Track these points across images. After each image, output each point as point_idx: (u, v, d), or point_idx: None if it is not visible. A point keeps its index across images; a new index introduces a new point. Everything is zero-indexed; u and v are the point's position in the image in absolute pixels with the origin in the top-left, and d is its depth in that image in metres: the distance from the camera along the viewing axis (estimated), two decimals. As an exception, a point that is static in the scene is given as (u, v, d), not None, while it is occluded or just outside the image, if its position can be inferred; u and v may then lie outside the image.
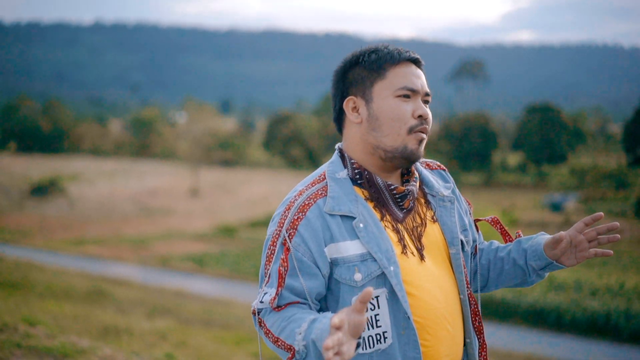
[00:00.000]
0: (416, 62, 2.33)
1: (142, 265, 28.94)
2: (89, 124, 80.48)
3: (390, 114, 2.25)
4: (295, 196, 2.26)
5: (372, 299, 2.16)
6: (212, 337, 15.30)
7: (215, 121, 66.07)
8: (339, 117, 2.36)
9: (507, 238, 2.51)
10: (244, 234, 36.26)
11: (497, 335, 18.30)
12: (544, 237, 2.40)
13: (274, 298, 2.16)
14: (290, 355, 2.07)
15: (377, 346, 2.17)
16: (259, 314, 2.19)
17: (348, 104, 2.31)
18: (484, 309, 20.01)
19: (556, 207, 40.78)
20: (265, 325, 2.17)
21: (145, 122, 75.85)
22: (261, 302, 2.18)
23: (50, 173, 54.74)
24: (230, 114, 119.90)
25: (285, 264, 2.17)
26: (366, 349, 2.16)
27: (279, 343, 2.11)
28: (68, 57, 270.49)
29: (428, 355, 2.22)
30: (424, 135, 2.27)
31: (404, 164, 2.29)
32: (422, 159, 2.43)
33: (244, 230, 37.27)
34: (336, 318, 1.77)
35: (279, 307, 2.16)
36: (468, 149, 55.54)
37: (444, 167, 2.54)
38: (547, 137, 54.16)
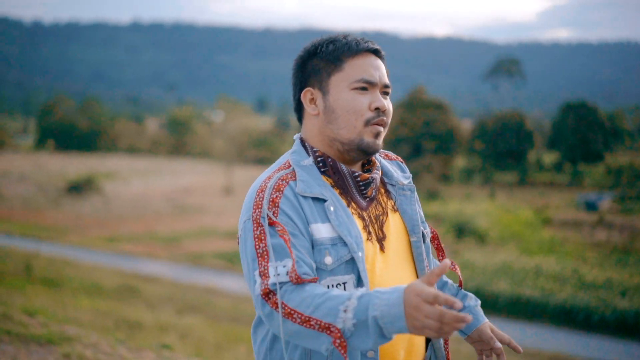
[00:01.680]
0: (376, 52, 2.30)
1: (173, 263, 29.17)
2: (125, 123, 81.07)
3: (346, 107, 2.23)
4: (264, 180, 2.22)
5: (340, 285, 2.14)
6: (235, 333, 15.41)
7: (249, 119, 66.32)
8: (299, 108, 2.36)
9: (440, 255, 2.48)
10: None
11: (524, 334, 18.24)
12: (483, 318, 2.44)
13: (294, 266, 2.05)
14: (326, 335, 1.97)
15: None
16: (274, 295, 2.04)
17: (306, 96, 2.30)
18: (513, 307, 19.98)
19: (591, 206, 40.41)
20: (287, 305, 2.02)
21: (180, 121, 76.31)
22: (277, 274, 2.04)
23: (86, 171, 55.29)
24: (265, 112, 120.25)
25: (286, 234, 2.10)
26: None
27: (312, 323, 1.98)
28: (106, 56, 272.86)
29: (385, 346, 2.19)
30: (381, 128, 2.25)
31: (361, 156, 2.28)
32: (380, 150, 2.42)
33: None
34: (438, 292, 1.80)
35: (300, 280, 2.04)
36: (503, 147, 55.14)
37: (402, 160, 2.54)
38: (583, 136, 53.61)
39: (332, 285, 2.14)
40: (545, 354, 16.52)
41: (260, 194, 2.16)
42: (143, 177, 55.90)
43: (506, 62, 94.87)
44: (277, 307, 2.02)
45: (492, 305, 20.16)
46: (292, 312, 2.01)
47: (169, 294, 22.00)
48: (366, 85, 2.24)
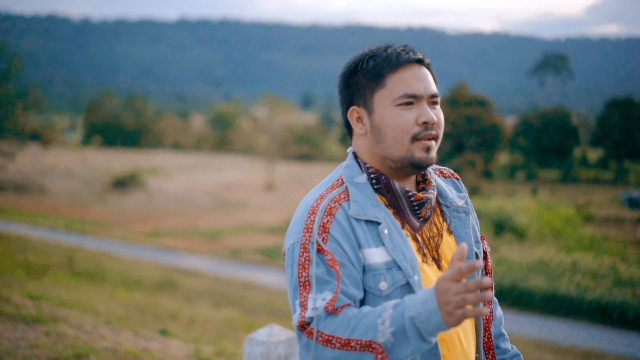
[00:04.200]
0: (420, 61, 2.21)
1: (213, 257, 29.44)
2: (170, 119, 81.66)
3: (392, 125, 2.16)
4: (316, 200, 2.16)
5: None
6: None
7: (293, 115, 66.54)
8: (348, 124, 2.29)
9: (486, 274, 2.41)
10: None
11: (559, 330, 18.18)
12: None
13: (333, 300, 2.01)
14: (369, 353, 1.95)
15: None
16: (309, 325, 2.02)
17: (352, 115, 2.24)
18: (548, 304, 19.91)
19: (634, 204, 39.95)
20: (323, 333, 1.99)
21: (225, 117, 76.71)
22: (314, 308, 2.01)
23: (131, 167, 55.91)
24: (310, 109, 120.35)
25: (337, 263, 2.05)
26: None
27: (352, 345, 1.96)
28: (153, 53, 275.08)
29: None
30: (431, 142, 2.18)
31: (414, 171, 2.21)
32: (434, 166, 2.38)
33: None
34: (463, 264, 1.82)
35: (335, 311, 2.00)
36: (547, 144, 54.66)
37: (458, 176, 2.45)
38: (628, 133, 52.93)
39: None
40: (579, 350, 16.45)
41: (312, 217, 2.11)
42: (187, 173, 56.37)
43: (553, 58, 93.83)
44: (313, 336, 2.00)
45: (527, 301, 20.11)
46: (330, 338, 1.98)
47: (207, 287, 22.23)
48: (411, 100, 2.16)
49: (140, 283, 21.30)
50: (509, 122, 59.22)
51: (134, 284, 20.70)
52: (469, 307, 1.86)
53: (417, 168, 2.19)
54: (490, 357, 2.33)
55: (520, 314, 19.58)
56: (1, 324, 6.14)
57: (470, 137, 50.17)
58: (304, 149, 64.30)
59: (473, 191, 43.09)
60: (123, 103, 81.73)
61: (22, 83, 59.36)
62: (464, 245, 1.87)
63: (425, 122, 2.15)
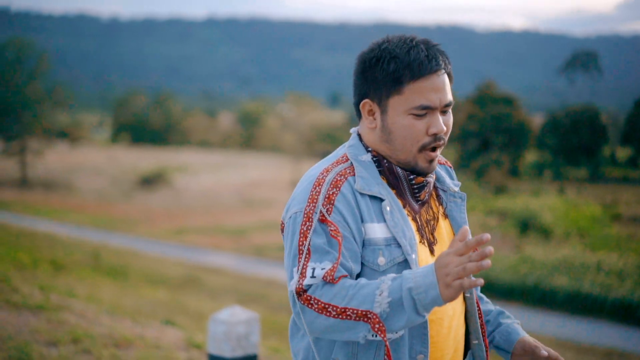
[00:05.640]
0: (441, 69, 2.21)
1: (238, 254, 29.56)
2: (197, 117, 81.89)
3: (403, 132, 2.19)
4: (322, 172, 2.20)
5: None
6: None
7: (319, 114, 66.52)
8: (358, 108, 2.33)
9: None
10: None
11: (581, 329, 18.08)
12: (522, 332, 2.38)
13: (333, 270, 2.05)
14: (363, 322, 2.00)
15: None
16: (305, 292, 2.06)
17: (364, 107, 2.27)
18: (571, 302, 19.80)
19: (663, 203, 39.59)
20: (320, 301, 2.03)
21: (252, 115, 76.85)
22: (312, 277, 2.05)
23: (158, 165, 56.21)
24: (338, 107, 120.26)
25: (339, 234, 2.09)
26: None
27: (347, 314, 2.01)
28: (181, 51, 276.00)
29: (433, 350, 2.21)
30: (435, 154, 2.23)
31: (414, 174, 2.26)
32: None
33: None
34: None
35: (333, 281, 2.05)
36: (575, 142, 54.25)
37: (451, 164, 2.50)
38: (657, 131, 52.50)
39: None
40: (601, 349, 16.37)
41: (317, 188, 2.15)
42: (213, 171, 56.57)
43: (582, 55, 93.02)
44: (309, 303, 2.04)
45: (551, 300, 20.03)
46: (327, 306, 2.03)
47: (232, 284, 22.35)
48: (425, 111, 2.19)
49: (164, 280, 21.44)
50: (539, 121, 58.84)
51: (158, 281, 20.85)
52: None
53: (417, 174, 2.25)
54: (485, 342, 2.34)
55: (543, 312, 19.51)
56: (7, 312, 6.38)
57: (497, 136, 49.90)
58: (329, 147, 64.27)
59: (499, 190, 42.88)
60: (151, 101, 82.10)
61: (51, 82, 59.92)
62: (466, 227, 1.96)
63: (435, 134, 2.20)
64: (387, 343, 2.05)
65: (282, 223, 2.24)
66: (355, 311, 2.00)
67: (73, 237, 28.83)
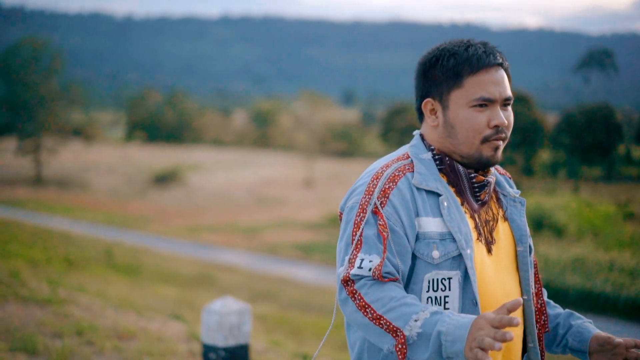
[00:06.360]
0: (499, 64, 2.30)
1: (251, 252, 29.61)
2: (211, 115, 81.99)
3: (464, 124, 2.25)
4: (382, 167, 2.26)
5: (445, 279, 2.18)
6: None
7: (333, 112, 66.48)
8: (420, 109, 2.37)
9: (536, 283, 2.45)
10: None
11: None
12: (595, 329, 2.37)
13: (380, 265, 2.11)
14: (391, 337, 2.04)
15: None
16: (352, 282, 2.13)
17: (426, 106, 2.33)
18: (583, 301, 19.75)
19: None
20: (363, 298, 2.10)
21: (265, 114, 76.88)
22: (360, 267, 2.12)
23: (172, 163, 56.36)
24: (352, 105, 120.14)
25: (386, 230, 2.15)
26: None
27: (381, 322, 2.06)
28: (196, 50, 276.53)
29: None
30: (500, 143, 2.29)
31: (480, 168, 2.31)
32: None
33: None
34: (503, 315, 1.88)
35: (381, 278, 2.11)
36: (590, 141, 54.04)
37: (510, 175, 2.55)
38: (672, 130, 52.22)
39: (437, 280, 2.19)
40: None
41: (375, 181, 2.22)
42: (227, 169, 56.66)
43: (597, 54, 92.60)
44: (354, 297, 2.11)
45: (562, 298, 19.96)
46: (367, 306, 2.08)
47: (244, 282, 22.40)
48: (485, 103, 2.26)
49: (177, 277, 21.52)
50: (553, 119, 58.65)
51: (171, 279, 20.93)
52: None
53: (483, 165, 2.30)
54: (541, 348, 2.38)
55: (555, 311, 19.46)
56: (14, 305, 6.51)
57: (511, 134, 49.80)
58: (343, 145, 64.26)
59: (513, 188, 42.77)
60: (165, 99, 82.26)
61: (66, 80, 60.16)
62: (520, 300, 1.93)
63: (496, 126, 2.26)
64: None
65: (340, 213, 2.31)
66: (388, 323, 2.05)
67: (87, 235, 28.98)
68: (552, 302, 2.53)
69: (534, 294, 2.40)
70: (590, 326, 2.41)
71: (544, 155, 56.52)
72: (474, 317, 1.97)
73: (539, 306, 2.39)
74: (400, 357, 2.02)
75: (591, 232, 29.13)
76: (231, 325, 5.07)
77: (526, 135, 50.86)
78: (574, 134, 54.18)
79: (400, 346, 2.02)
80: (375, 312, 2.07)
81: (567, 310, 2.50)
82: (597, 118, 54.11)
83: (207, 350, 5.13)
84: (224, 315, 5.04)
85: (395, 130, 63.31)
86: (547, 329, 2.40)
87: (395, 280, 2.13)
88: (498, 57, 2.28)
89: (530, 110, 51.57)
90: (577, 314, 2.47)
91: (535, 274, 2.43)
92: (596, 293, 19.45)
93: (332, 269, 26.13)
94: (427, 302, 2.17)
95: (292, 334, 12.78)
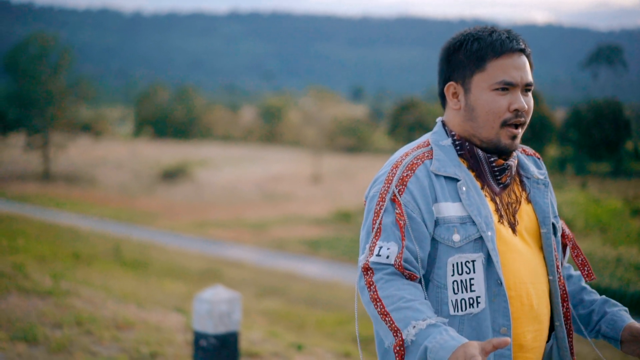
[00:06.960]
0: (522, 50, 2.35)
1: (258, 248, 29.62)
2: (220, 111, 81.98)
3: (485, 107, 2.30)
4: (401, 156, 2.33)
5: (469, 262, 2.23)
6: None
7: (341, 108, 66.38)
8: (442, 95, 2.45)
9: (584, 270, 2.49)
10: (361, 218, 36.33)
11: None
12: (629, 318, 2.44)
13: (401, 254, 2.19)
14: (392, 336, 2.10)
15: (469, 310, 2.22)
16: (372, 273, 2.19)
17: (449, 90, 2.39)
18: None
19: (685, 197, 39.21)
20: (377, 291, 2.16)
21: (273, 110, 76.82)
22: (378, 255, 2.19)
23: (180, 158, 56.37)
24: (360, 101, 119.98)
25: (403, 218, 2.21)
26: (458, 311, 2.22)
27: (387, 319, 2.12)
28: (204, 46, 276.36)
29: (514, 326, 2.28)
30: (517, 131, 2.33)
31: (498, 153, 2.36)
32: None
33: (361, 215, 37.33)
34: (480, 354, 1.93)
35: (401, 269, 2.17)
36: (598, 137, 53.85)
37: (539, 156, 2.60)
38: (681, 125, 51.99)
39: (461, 263, 2.24)
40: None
41: (394, 170, 2.29)
42: (235, 165, 56.65)
43: (606, 49, 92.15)
44: (369, 287, 2.18)
45: (569, 294, 19.99)
46: (378, 300, 2.15)
47: (251, 278, 22.41)
48: (507, 86, 2.31)
49: (184, 273, 21.55)
50: (562, 115, 58.48)
51: (179, 274, 20.96)
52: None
53: (501, 152, 2.35)
54: (568, 327, 2.42)
55: (561, 307, 19.43)
56: (17, 297, 6.61)
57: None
58: (351, 141, 64.17)
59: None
60: (173, 95, 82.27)
61: (75, 76, 60.25)
62: (508, 339, 1.96)
63: (516, 110, 2.30)
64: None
65: (365, 201, 2.37)
66: (392, 322, 2.11)
67: (95, 230, 29.03)
68: (588, 287, 2.56)
69: (564, 276, 2.48)
70: (625, 315, 2.46)
71: (552, 151, 56.37)
72: (460, 343, 1.99)
73: (562, 289, 2.41)
74: (397, 358, 2.09)
75: (598, 227, 29.08)
76: (221, 313, 5.27)
77: (534, 131, 50.72)
78: (582, 129, 53.99)
79: (398, 348, 2.08)
80: (384, 307, 2.13)
81: (602, 296, 2.53)
82: (605, 114, 53.89)
83: (198, 337, 5.31)
84: (214, 304, 5.23)
85: (404, 126, 63.25)
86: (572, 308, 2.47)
87: (415, 278, 2.20)
88: (521, 43, 2.35)
89: (538, 106, 51.39)
90: (612, 301, 2.51)
91: (572, 249, 2.50)
92: (603, 288, 19.39)
93: (339, 264, 26.15)
94: (452, 286, 2.22)
95: (295, 327, 12.82)
